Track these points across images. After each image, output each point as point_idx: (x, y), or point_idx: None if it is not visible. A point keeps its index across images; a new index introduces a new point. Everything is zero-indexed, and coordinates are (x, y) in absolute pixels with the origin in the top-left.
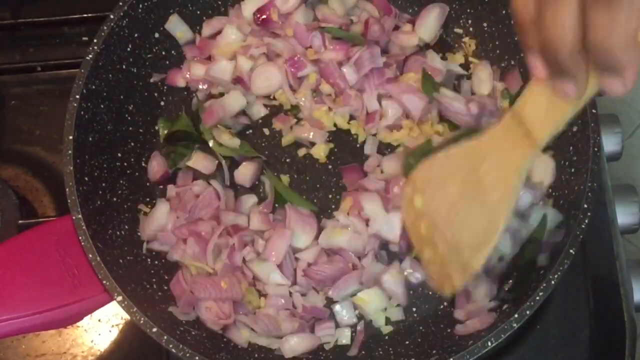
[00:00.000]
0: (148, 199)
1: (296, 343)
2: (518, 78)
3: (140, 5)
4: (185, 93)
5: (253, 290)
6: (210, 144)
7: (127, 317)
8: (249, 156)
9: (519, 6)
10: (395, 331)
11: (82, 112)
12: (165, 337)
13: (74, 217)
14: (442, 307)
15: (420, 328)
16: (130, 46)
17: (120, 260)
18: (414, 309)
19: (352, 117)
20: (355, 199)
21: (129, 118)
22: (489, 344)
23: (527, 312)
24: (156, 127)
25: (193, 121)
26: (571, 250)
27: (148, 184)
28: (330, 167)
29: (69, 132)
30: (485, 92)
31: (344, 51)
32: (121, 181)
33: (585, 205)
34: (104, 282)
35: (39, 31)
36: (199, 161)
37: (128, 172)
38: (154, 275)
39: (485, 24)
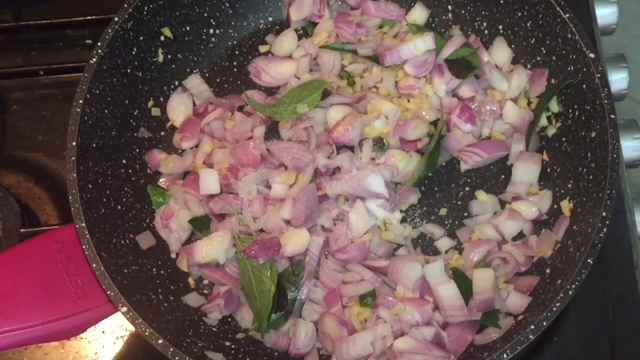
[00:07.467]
0: (153, 207)
1: None
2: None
3: (146, 8)
4: None
5: None
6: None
7: (132, 328)
8: None
9: None
10: None
11: (85, 118)
12: (171, 349)
13: (77, 226)
14: None
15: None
16: (135, 49)
17: (125, 270)
18: None
19: None
20: None
21: (134, 123)
22: (505, 356)
23: (544, 323)
24: (162, 133)
25: None
26: (589, 260)
27: None
28: None
29: (72, 138)
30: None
31: None
32: (126, 188)
33: (604, 214)
34: (108, 292)
35: (41, 34)
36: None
37: (133, 179)
38: (160, 285)
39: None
